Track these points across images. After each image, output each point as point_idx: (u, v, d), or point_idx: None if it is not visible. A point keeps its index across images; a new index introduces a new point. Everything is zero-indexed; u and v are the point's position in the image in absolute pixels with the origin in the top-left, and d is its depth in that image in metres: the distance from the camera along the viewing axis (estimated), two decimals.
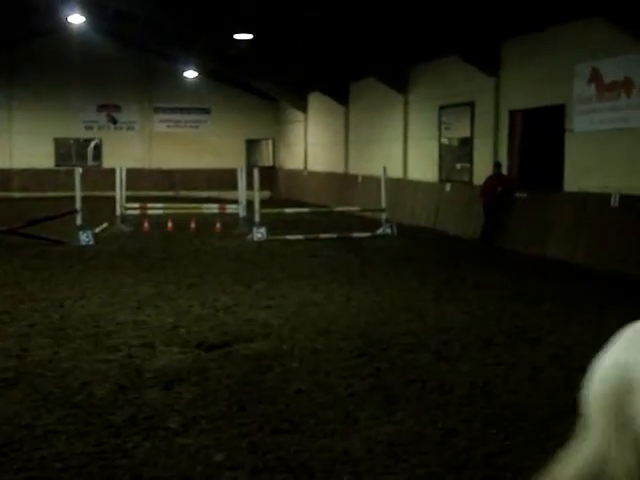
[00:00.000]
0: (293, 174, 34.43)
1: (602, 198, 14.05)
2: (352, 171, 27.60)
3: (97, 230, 18.65)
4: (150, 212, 20.58)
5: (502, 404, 6.28)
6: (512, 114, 17.68)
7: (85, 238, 16.70)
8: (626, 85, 13.91)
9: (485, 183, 17.42)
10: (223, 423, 5.79)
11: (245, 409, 6.10)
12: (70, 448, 5.30)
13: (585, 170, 15.01)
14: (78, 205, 17.25)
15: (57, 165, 33.86)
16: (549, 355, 7.79)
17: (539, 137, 16.98)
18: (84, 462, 5.07)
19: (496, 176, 17.15)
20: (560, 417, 5.92)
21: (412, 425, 5.79)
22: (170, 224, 19.64)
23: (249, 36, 23.11)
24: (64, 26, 28.68)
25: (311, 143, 32.14)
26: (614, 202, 13.67)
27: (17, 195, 32.59)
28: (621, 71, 14.02)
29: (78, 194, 17.32)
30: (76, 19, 25.75)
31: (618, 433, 3.35)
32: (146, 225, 19.56)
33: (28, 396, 6.38)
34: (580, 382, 6.76)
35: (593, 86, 14.77)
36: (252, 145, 37.04)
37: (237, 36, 23.14)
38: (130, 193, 23.34)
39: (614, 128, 14.21)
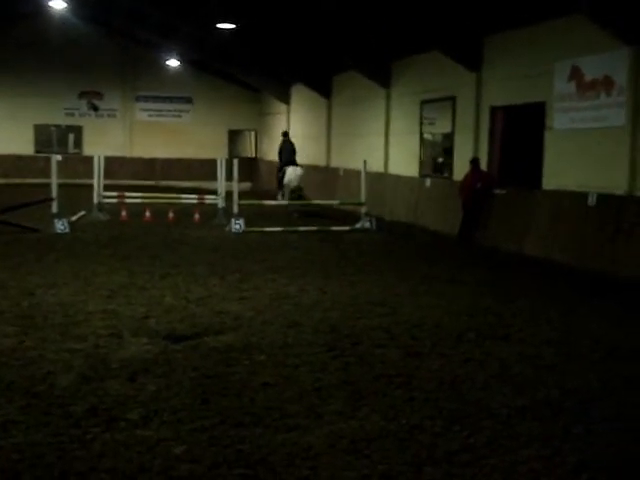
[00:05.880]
0: (275, 166, 34.25)
1: (579, 196, 14.06)
2: (334, 164, 27.53)
3: (74, 218, 18.52)
4: (128, 201, 20.45)
5: (468, 401, 6.23)
6: (493, 110, 17.65)
7: (60, 226, 16.56)
8: (606, 84, 13.90)
9: (464, 179, 17.42)
10: (185, 416, 5.71)
11: (208, 402, 6.03)
12: (28, 439, 5.21)
13: (563, 168, 15.01)
14: (54, 193, 17.11)
15: (37, 152, 33.59)
16: (518, 352, 7.75)
17: (519, 134, 16.96)
18: (41, 453, 4.98)
19: (476, 172, 17.14)
20: (524, 415, 5.91)
21: (376, 421, 5.74)
22: (148, 214, 19.53)
23: (232, 26, 22.97)
24: (46, 11, 28.43)
25: (294, 135, 31.97)
26: (591, 200, 13.67)
27: None
28: (601, 69, 14.00)
29: (54, 181, 17.18)
30: (58, 4, 25.50)
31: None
32: (124, 214, 19.44)
33: None
34: (549, 380, 6.79)
35: (573, 84, 14.75)
36: (234, 136, 36.90)
37: (220, 25, 22.98)
38: (110, 182, 23.22)
39: (593, 127, 14.19)
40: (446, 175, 19.70)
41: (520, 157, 16.76)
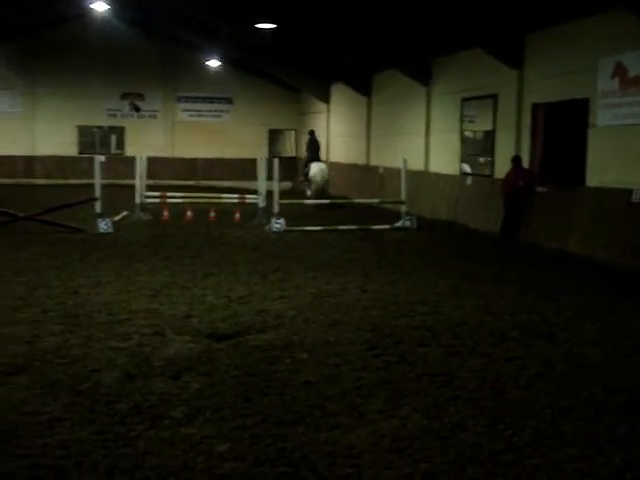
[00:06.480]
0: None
1: (623, 193, 13.89)
2: (374, 163, 27.50)
3: (116, 218, 18.73)
4: (170, 201, 20.60)
5: (511, 400, 6.20)
6: (535, 107, 17.50)
7: (104, 226, 16.75)
8: None
9: (506, 177, 17.29)
10: (228, 414, 5.75)
11: (251, 400, 6.07)
12: (73, 436, 5.28)
13: (607, 165, 14.84)
14: (97, 193, 17.29)
15: (80, 153, 34.00)
16: (562, 351, 7.69)
17: (562, 131, 16.80)
18: (87, 450, 5.05)
19: (517, 170, 17.01)
20: (569, 415, 5.86)
21: (418, 419, 5.73)
22: (189, 213, 19.67)
23: (272, 26, 23.04)
24: (88, 13, 28.78)
25: (333, 134, 32.05)
26: (635, 197, 13.50)
27: (39, 182, 32.83)
28: None
29: (98, 182, 17.35)
30: (100, 6, 25.80)
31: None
32: (165, 214, 19.60)
33: (35, 383, 6.38)
34: (592, 380, 6.72)
35: (617, 80, 14.57)
36: (275, 135, 37.01)
37: (260, 25, 23.06)
38: (152, 182, 23.42)
39: (637, 123, 14.00)
40: (487, 173, 19.55)
41: (562, 154, 16.61)
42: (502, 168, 18.08)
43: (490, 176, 19.33)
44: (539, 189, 16.66)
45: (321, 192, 24.65)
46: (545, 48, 17.00)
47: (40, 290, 10.35)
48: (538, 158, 17.45)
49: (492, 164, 19.36)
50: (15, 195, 25.66)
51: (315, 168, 25.09)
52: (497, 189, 17.70)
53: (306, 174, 26.01)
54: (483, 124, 19.96)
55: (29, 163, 33.56)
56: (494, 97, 19.18)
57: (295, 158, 36.41)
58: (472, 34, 18.51)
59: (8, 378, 6.50)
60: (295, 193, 29.05)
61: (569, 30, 16.00)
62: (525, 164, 17.30)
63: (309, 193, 25.76)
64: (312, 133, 27.52)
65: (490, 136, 19.56)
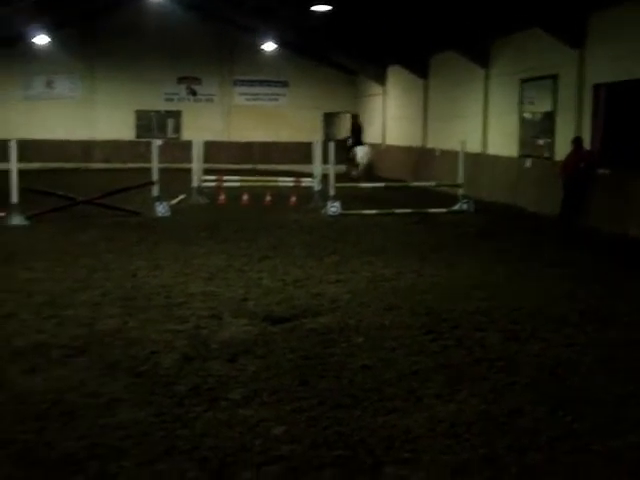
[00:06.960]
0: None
1: None
2: (430, 145, 27.27)
3: (173, 202, 18.90)
4: (226, 185, 20.68)
5: (571, 386, 6.10)
6: (596, 88, 17.14)
7: (161, 209, 16.91)
8: None
9: (567, 158, 17.00)
10: (284, 396, 5.77)
11: (307, 383, 6.07)
12: (133, 417, 5.35)
13: None
14: (155, 177, 17.44)
15: (137, 137, 34.32)
16: (623, 338, 7.54)
17: (624, 112, 16.43)
18: (145, 431, 5.11)
19: (578, 151, 16.71)
20: (630, 403, 5.75)
21: (476, 404, 5.67)
22: (245, 197, 19.74)
23: (328, 8, 22.94)
24: None
25: (389, 117, 31.83)
26: None
27: (98, 166, 33.24)
28: None
29: (155, 166, 17.49)
30: None
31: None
32: (222, 198, 19.70)
33: (95, 364, 6.48)
34: None
35: None
36: (330, 119, 36.90)
37: (316, 8, 22.98)
38: (208, 165, 23.52)
39: None
40: (547, 155, 19.24)
41: (624, 136, 16.24)
42: (562, 150, 17.77)
43: (550, 158, 19.02)
44: (600, 171, 16.34)
45: (366, 172, 28.11)
46: (608, 27, 16.60)
47: (99, 273, 10.50)
48: (599, 140, 17.10)
49: (552, 146, 19.04)
50: (74, 179, 26.05)
51: (361, 152, 28.73)
52: (557, 171, 17.40)
53: (352, 157, 29.15)
54: (542, 105, 19.63)
55: (87, 147, 33.99)
56: (554, 78, 18.84)
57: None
58: (532, 13, 18.17)
59: (68, 360, 6.62)
60: (351, 176, 28.99)
61: (634, 9, 15.59)
62: (586, 146, 16.98)
63: (354, 174, 28.51)
64: (356, 118, 31.22)
65: (550, 117, 19.24)
